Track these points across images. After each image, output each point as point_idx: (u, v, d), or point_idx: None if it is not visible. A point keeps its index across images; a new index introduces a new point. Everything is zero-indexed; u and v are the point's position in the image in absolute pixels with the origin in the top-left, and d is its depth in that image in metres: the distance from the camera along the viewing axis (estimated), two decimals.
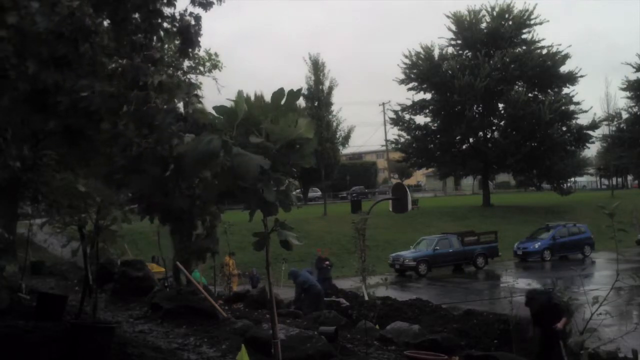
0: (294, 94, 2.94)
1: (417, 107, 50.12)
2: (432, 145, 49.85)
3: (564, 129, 47.16)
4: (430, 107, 49.75)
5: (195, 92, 3.52)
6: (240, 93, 2.93)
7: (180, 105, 3.39)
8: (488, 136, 49.38)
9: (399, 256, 27.32)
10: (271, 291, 3.93)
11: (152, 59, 3.65)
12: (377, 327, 10.34)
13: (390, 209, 20.95)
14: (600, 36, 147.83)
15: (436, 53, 49.40)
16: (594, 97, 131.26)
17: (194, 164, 2.77)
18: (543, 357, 8.74)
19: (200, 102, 3.42)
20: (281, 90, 2.93)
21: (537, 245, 30.07)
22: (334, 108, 43.84)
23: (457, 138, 48.76)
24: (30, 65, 3.00)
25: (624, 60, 70.27)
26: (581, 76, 48.26)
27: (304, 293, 13.62)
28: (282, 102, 2.92)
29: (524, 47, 48.66)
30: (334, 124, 44.11)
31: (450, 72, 46.30)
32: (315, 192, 57.44)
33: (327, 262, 19.05)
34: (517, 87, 47.11)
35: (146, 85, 3.11)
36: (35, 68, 3.00)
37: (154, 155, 2.90)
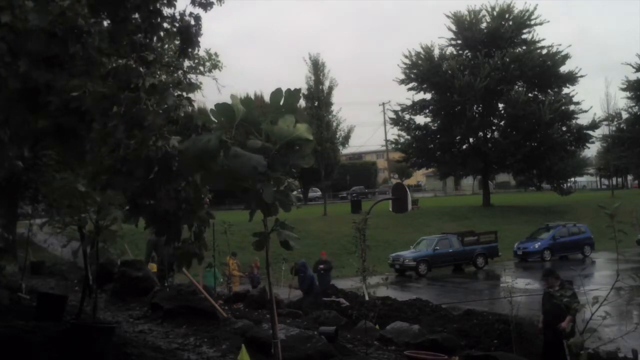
0: (293, 94, 2.93)
1: (417, 107, 50.11)
2: (432, 145, 49.82)
3: (564, 129, 47.17)
4: (430, 107, 49.74)
5: (187, 95, 3.51)
6: (233, 97, 2.94)
7: (172, 107, 3.38)
8: (488, 136, 49.37)
9: (399, 256, 27.32)
10: (271, 291, 3.93)
11: (145, 60, 3.65)
12: (377, 327, 10.33)
13: (390, 209, 20.94)
14: (592, 36, 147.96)
15: (436, 53, 49.43)
16: (592, 98, 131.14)
17: (192, 162, 2.77)
18: (548, 357, 8.73)
19: (192, 105, 3.41)
20: (279, 90, 2.93)
21: (537, 245, 30.06)
22: (334, 108, 43.86)
23: (457, 138, 48.74)
24: (21, 64, 3.00)
25: (616, 60, 70.48)
26: (581, 76, 48.33)
27: (307, 291, 13.73)
28: (281, 102, 2.92)
29: (524, 47, 48.65)
30: (334, 124, 44.08)
31: (450, 72, 46.29)
32: (315, 192, 57.44)
33: (322, 266, 17.52)
34: (517, 87, 47.10)
35: (137, 87, 3.10)
36: (27, 67, 3.00)
37: (139, 156, 2.89)
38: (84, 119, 3.06)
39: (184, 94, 3.49)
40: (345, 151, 54.35)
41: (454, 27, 49.74)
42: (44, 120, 3.18)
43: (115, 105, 2.96)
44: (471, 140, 48.90)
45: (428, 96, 50.03)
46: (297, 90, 2.98)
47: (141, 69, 3.24)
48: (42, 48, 3.01)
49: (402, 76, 49.85)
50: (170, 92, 3.15)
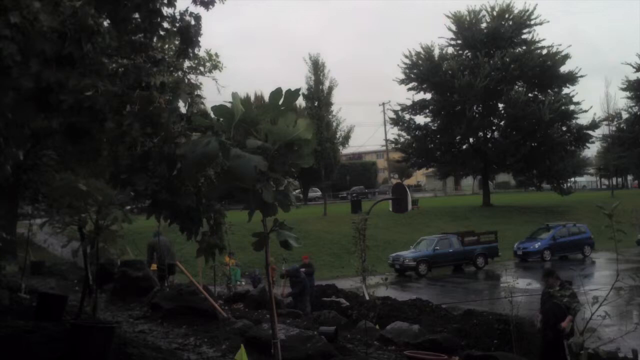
0: (293, 94, 2.92)
1: (417, 107, 50.13)
2: (432, 145, 49.85)
3: (564, 129, 47.18)
4: (430, 107, 49.75)
5: (197, 93, 3.53)
6: (234, 95, 2.93)
7: (182, 105, 3.39)
8: (488, 136, 49.38)
9: (399, 256, 27.32)
10: (271, 291, 3.94)
11: (154, 59, 3.66)
12: (377, 327, 10.33)
13: (390, 209, 20.95)
14: (592, 37, 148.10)
15: (436, 53, 49.45)
16: (592, 98, 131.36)
17: (193, 167, 2.76)
18: (547, 357, 8.72)
19: (202, 103, 3.43)
20: (279, 90, 2.92)
21: (537, 245, 30.06)
22: (334, 108, 43.88)
23: (457, 138, 48.75)
24: (33, 64, 3.01)
25: (616, 60, 70.64)
26: (581, 76, 48.36)
27: (302, 293, 13.76)
28: (281, 101, 2.91)
29: (524, 47, 48.66)
30: (334, 124, 44.10)
31: (450, 72, 46.29)
32: (315, 192, 57.44)
33: (303, 270, 15.43)
34: (517, 87, 47.11)
35: (149, 86, 3.11)
36: (38, 67, 3.00)
37: (161, 154, 2.91)
38: (97, 118, 3.06)
39: (196, 92, 3.51)
40: (345, 151, 54.47)
41: (454, 27, 49.76)
42: (57, 119, 3.19)
43: (127, 104, 2.97)
44: (471, 140, 48.90)
45: (428, 96, 50.09)
46: (297, 90, 2.97)
47: (150, 67, 3.25)
48: (55, 48, 3.01)
49: (402, 76, 49.91)
50: (183, 91, 3.16)
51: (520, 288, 14.70)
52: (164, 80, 3.18)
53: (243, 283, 18.28)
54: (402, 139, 50.99)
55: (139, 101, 2.94)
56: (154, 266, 14.99)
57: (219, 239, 3.32)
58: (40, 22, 3.01)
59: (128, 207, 5.60)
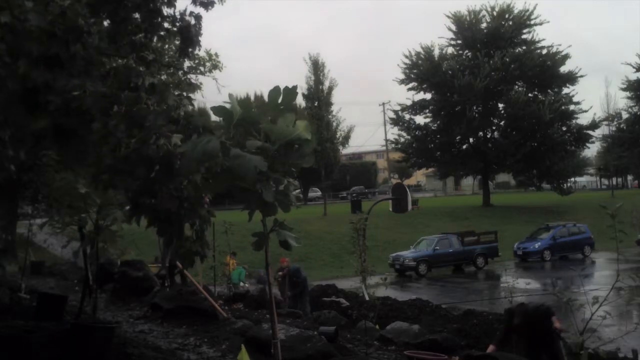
0: (290, 92, 2.92)
1: (417, 107, 50.12)
2: (432, 145, 49.83)
3: (564, 129, 47.19)
4: (430, 107, 49.75)
5: (188, 95, 3.51)
6: (231, 96, 2.93)
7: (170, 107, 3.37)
8: (488, 136, 49.38)
9: (399, 256, 27.31)
10: (271, 291, 3.94)
11: (145, 60, 3.65)
12: (377, 327, 10.33)
13: (390, 209, 20.95)
14: (592, 37, 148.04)
15: (436, 53, 49.44)
16: (592, 97, 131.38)
17: (193, 164, 2.76)
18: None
19: (192, 105, 3.41)
20: (277, 89, 2.92)
21: (537, 245, 30.05)
22: (334, 108, 43.84)
23: (457, 138, 48.74)
24: (20, 65, 3.00)
25: (616, 60, 70.72)
26: (581, 76, 48.37)
27: (302, 293, 13.78)
28: (280, 100, 2.91)
29: (524, 47, 48.66)
30: (334, 124, 44.06)
31: (450, 72, 46.29)
32: (315, 192, 57.44)
33: (280, 273, 14.55)
34: (517, 87, 47.13)
35: (137, 87, 3.10)
36: (26, 67, 2.99)
37: (140, 155, 2.88)
38: (84, 119, 3.05)
39: (184, 93, 3.49)
40: (345, 151, 54.42)
41: (454, 27, 49.77)
42: (44, 120, 3.18)
43: (115, 104, 2.96)
44: (471, 140, 48.90)
45: (428, 96, 50.08)
46: (294, 88, 2.96)
47: (141, 68, 3.24)
48: (42, 48, 3.01)
49: (402, 76, 49.91)
50: (170, 92, 3.14)
51: (520, 288, 14.73)
52: (153, 82, 3.16)
53: (247, 285, 18.17)
54: (402, 139, 50.97)
55: (125, 102, 2.93)
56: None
57: (201, 246, 3.28)
58: (29, 22, 3.00)
59: (128, 207, 5.60)
